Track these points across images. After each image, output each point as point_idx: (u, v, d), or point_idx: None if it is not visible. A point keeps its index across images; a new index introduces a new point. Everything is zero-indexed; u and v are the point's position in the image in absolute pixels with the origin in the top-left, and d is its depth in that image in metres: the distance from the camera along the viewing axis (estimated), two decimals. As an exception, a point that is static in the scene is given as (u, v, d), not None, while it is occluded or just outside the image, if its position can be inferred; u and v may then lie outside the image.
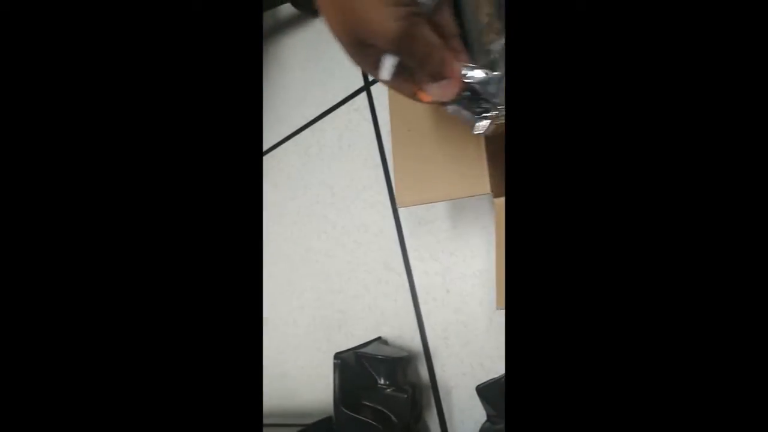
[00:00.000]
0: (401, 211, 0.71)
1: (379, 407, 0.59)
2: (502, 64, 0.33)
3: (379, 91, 0.75)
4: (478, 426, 0.56)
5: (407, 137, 0.53)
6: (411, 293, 0.69)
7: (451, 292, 0.65)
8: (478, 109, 0.36)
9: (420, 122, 0.52)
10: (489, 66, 0.33)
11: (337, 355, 0.62)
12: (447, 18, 0.31)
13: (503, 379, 0.52)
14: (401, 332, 0.70)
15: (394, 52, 0.29)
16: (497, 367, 0.60)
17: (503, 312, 0.52)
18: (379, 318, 0.73)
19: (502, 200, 0.46)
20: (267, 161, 0.91)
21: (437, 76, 0.32)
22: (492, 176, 0.46)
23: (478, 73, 0.33)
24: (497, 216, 0.46)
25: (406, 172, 0.53)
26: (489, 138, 0.47)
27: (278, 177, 0.88)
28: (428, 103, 0.35)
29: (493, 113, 0.35)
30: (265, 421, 0.76)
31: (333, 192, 0.79)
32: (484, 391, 0.53)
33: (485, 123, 0.36)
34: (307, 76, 0.86)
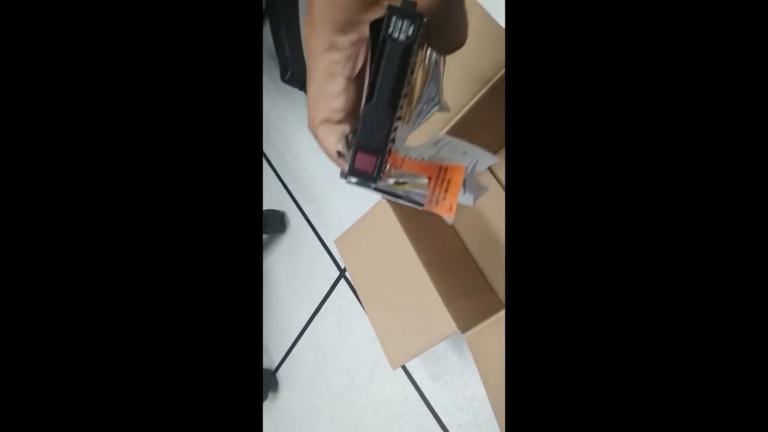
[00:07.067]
0: (415, 373, 0.71)
1: None
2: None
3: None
4: None
5: (376, 305, 0.56)
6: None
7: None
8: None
9: (382, 287, 0.56)
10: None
11: None
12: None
13: None
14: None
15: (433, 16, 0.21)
16: None
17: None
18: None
19: (469, 334, 0.47)
20: (285, 368, 0.94)
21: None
22: (453, 315, 0.48)
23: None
24: (472, 350, 0.47)
25: (387, 334, 0.55)
26: (436, 278, 0.50)
27: (299, 379, 0.90)
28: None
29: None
30: None
31: (351, 376, 0.80)
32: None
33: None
34: (293, 282, 0.95)
